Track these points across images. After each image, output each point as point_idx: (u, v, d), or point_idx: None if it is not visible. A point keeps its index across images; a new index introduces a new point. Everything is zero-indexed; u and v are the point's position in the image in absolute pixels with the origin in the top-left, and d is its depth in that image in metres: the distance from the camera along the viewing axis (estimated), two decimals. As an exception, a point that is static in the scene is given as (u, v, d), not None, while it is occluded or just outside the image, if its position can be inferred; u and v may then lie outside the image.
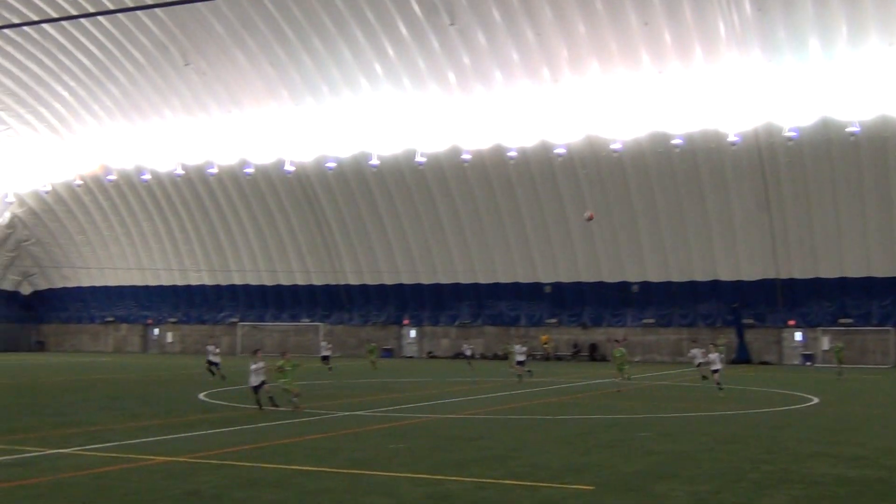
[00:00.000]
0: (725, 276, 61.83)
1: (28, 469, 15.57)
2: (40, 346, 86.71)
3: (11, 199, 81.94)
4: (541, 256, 66.30)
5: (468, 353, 55.05)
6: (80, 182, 77.50)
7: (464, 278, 69.52)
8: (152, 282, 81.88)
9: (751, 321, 61.96)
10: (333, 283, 74.38)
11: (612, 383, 36.09)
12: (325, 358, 49.90)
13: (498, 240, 66.82)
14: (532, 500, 12.76)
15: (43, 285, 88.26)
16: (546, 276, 67.08)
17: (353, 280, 73.55)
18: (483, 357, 66.72)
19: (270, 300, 77.61)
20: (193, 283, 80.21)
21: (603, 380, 35.79)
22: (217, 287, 79.40)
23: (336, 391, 34.39)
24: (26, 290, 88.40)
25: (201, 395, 31.39)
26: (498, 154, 62.37)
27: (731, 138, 55.04)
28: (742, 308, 61.63)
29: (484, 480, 14.33)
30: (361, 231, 70.78)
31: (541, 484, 14.03)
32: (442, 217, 67.49)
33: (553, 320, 67.92)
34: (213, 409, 26.92)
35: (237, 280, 77.85)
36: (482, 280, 69.05)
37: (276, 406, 25.48)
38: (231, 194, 73.32)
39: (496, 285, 68.89)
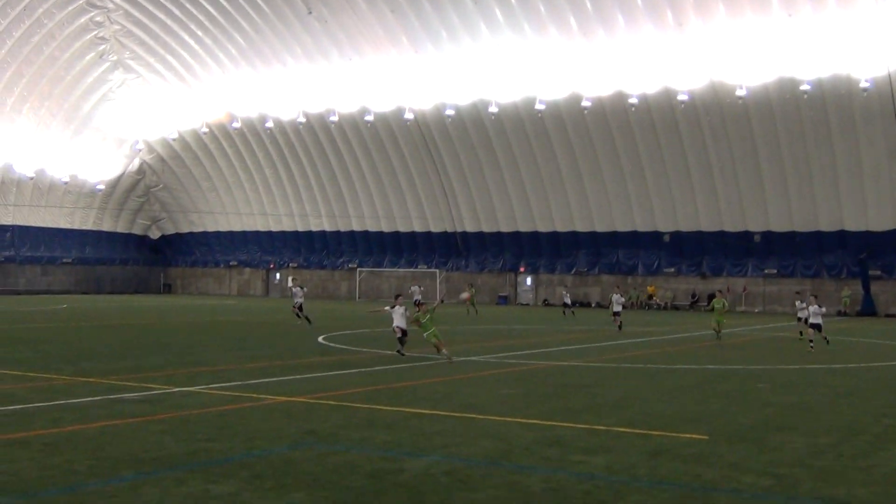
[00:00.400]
0: (852, 225, 59.90)
1: (155, 406, 16.22)
2: (167, 289, 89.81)
3: (141, 146, 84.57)
4: (660, 204, 65.33)
5: (567, 300, 54.32)
6: (206, 129, 79.50)
7: (581, 226, 69.09)
8: (274, 227, 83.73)
9: (878, 273, 60.01)
10: (450, 229, 74.80)
11: (709, 336, 35.16)
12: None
13: (616, 187, 66.08)
14: (644, 448, 12.72)
15: (170, 230, 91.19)
16: (665, 224, 66.14)
17: (469, 227, 73.82)
18: (599, 305, 66.42)
19: (388, 246, 78.56)
20: (314, 228, 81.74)
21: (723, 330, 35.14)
22: (336, 233, 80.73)
23: (450, 337, 34.71)
24: (155, 234, 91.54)
25: (320, 339, 32.08)
26: (619, 101, 61.43)
27: (863, 84, 53.07)
28: (869, 259, 59.70)
29: (596, 427, 14.34)
30: (479, 178, 70.83)
31: (653, 432, 13.97)
32: (560, 164, 67.01)
33: (671, 269, 67.05)
34: (331, 352, 27.49)
35: (356, 226, 78.98)
36: (599, 228, 68.51)
37: (402, 354, 25.52)
38: (351, 141, 74.17)
39: (614, 233, 68.27)
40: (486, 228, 73.16)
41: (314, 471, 11.06)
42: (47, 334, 33.18)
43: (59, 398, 16.78)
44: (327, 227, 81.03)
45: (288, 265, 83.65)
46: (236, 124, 77.40)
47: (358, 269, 79.11)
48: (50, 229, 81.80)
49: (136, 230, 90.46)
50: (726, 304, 35.16)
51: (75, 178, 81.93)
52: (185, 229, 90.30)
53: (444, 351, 24.68)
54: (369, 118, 70.51)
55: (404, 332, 25.60)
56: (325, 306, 43.44)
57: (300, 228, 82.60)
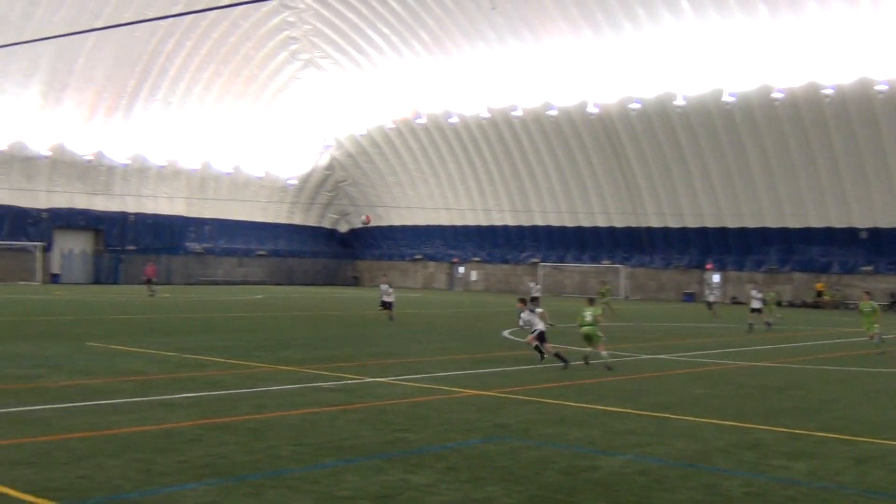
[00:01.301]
0: None
1: (350, 395, 16.69)
2: (355, 281, 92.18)
3: (331, 143, 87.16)
4: (856, 199, 62.48)
5: (711, 298, 51.99)
6: (393, 125, 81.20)
7: (772, 222, 66.91)
8: (458, 222, 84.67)
9: None
10: (634, 224, 73.80)
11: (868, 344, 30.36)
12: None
13: (809, 182, 63.65)
14: (849, 454, 12.22)
15: (358, 224, 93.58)
16: (862, 220, 63.23)
17: (654, 222, 72.62)
18: (791, 305, 64.15)
19: (571, 241, 78.20)
20: (497, 223, 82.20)
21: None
22: (519, 227, 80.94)
23: (636, 335, 34.28)
24: (343, 227, 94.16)
25: (505, 333, 32.25)
26: (812, 92, 59.14)
27: None
28: None
29: (796, 431, 13.87)
30: (664, 172, 69.60)
31: (858, 438, 13.41)
32: (750, 158, 65.07)
33: (868, 267, 64.07)
34: (518, 346, 27.57)
35: (539, 221, 78.96)
36: (791, 224, 66.14)
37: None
38: (534, 136, 74.23)
39: (807, 230, 65.77)
40: (671, 223, 71.80)
41: (508, 465, 11.14)
42: (246, 323, 34.63)
43: (261, 385, 17.49)
44: (510, 222, 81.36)
45: (471, 259, 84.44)
46: (421, 120, 78.75)
47: (540, 264, 79.10)
48: (245, 223, 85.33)
49: (326, 224, 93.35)
50: (876, 308, 30.70)
51: (269, 173, 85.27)
52: (372, 223, 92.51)
53: (603, 354, 22.07)
54: (552, 112, 70.40)
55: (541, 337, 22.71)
56: (508, 301, 43.78)
57: (483, 223, 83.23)
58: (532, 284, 49.31)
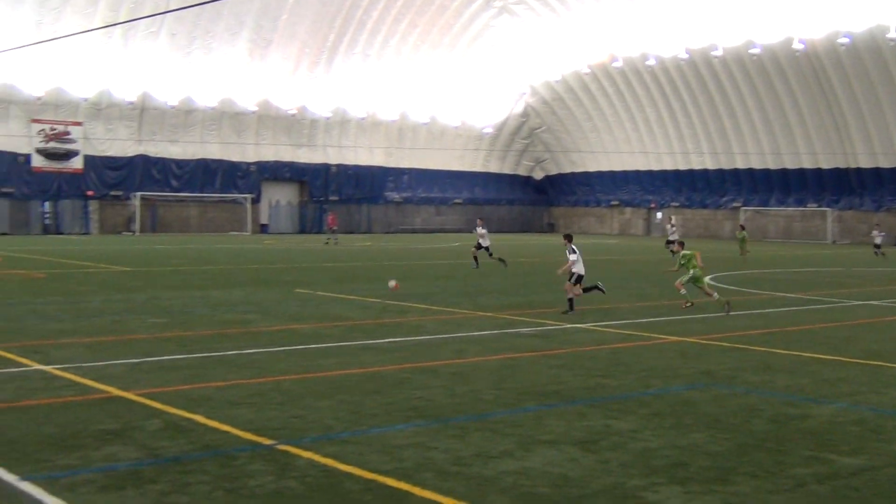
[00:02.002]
0: None
1: (550, 341, 16.75)
2: (550, 228, 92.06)
3: (526, 90, 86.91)
4: None
5: (878, 241, 48.28)
6: (588, 70, 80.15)
7: None
8: (655, 166, 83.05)
9: None
10: (843, 165, 70.36)
11: None
12: (670, 242, 45.92)
13: None
14: None
15: (553, 170, 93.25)
16: None
17: (864, 163, 68.98)
18: None
19: (775, 184, 75.39)
20: (696, 167, 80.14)
21: None
22: (720, 171, 78.65)
23: (845, 279, 32.86)
24: (538, 175, 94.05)
25: (707, 279, 31.48)
26: None
27: None
28: None
29: None
30: (876, 110, 65.91)
31: None
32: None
33: None
34: (720, 292, 26.87)
35: (740, 164, 76.46)
36: None
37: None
38: (735, 76, 71.68)
39: None
40: (883, 164, 68.01)
41: (713, 412, 10.93)
42: (445, 270, 35.23)
43: (462, 330, 17.79)
44: (710, 166, 79.11)
45: (669, 204, 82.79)
46: (617, 63, 77.38)
47: (742, 209, 76.69)
48: (442, 171, 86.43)
49: (521, 171, 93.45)
50: None
51: (465, 122, 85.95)
52: (567, 169, 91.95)
53: (715, 295, 21.61)
54: (755, 51, 67.71)
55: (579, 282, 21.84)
56: (708, 246, 42.76)
57: (681, 167, 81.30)
58: (669, 226, 47.44)
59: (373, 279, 29.81)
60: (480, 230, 36.74)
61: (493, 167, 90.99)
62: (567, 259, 21.95)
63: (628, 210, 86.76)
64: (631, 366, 14.07)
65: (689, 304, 22.03)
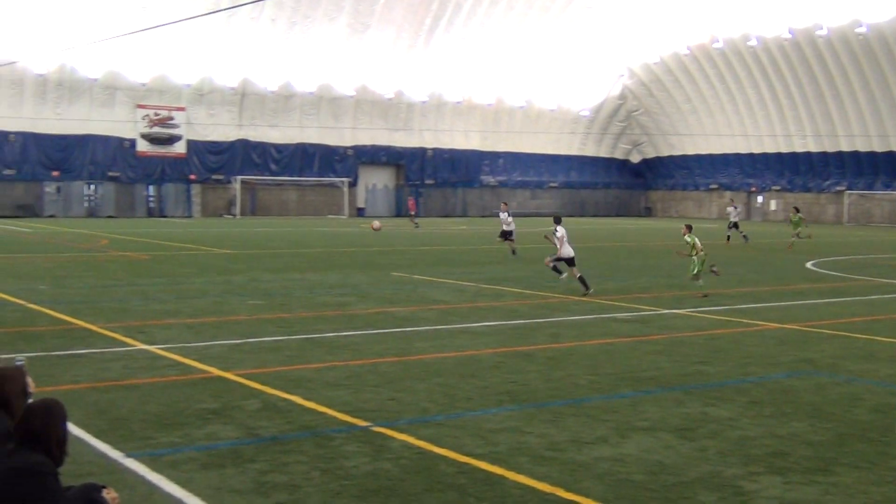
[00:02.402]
0: None
1: (647, 326, 16.58)
2: (648, 212, 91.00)
3: (623, 72, 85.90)
4: None
5: None
6: (688, 51, 78.84)
7: None
8: (756, 149, 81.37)
9: None
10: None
11: None
12: (733, 225, 44.47)
13: None
14: None
15: (651, 153, 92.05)
16: None
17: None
18: None
19: (882, 167, 73.18)
20: (798, 149, 78.28)
21: None
22: (823, 154, 76.70)
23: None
24: (635, 158, 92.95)
25: (808, 264, 30.84)
26: None
27: None
28: None
29: None
30: None
31: None
32: None
33: None
34: (822, 278, 26.30)
35: (844, 146, 74.45)
36: None
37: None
38: (840, 56, 69.72)
39: None
40: None
41: (814, 401, 10.70)
42: (540, 254, 34.99)
43: (557, 315, 17.72)
44: (813, 148, 77.19)
45: (770, 188, 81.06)
46: (718, 44, 75.98)
47: (846, 192, 74.66)
48: (538, 155, 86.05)
49: (618, 154, 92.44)
50: None
51: (561, 105, 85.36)
52: (665, 153, 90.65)
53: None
54: (862, 30, 65.75)
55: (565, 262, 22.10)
56: (811, 231, 41.92)
57: (783, 150, 79.48)
58: (731, 209, 46.05)
59: (468, 263, 29.87)
60: (504, 216, 35.49)
61: (590, 150, 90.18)
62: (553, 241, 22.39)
63: (728, 194, 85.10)
64: (730, 352, 13.85)
65: (704, 295, 21.12)
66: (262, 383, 11.16)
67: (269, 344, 14.11)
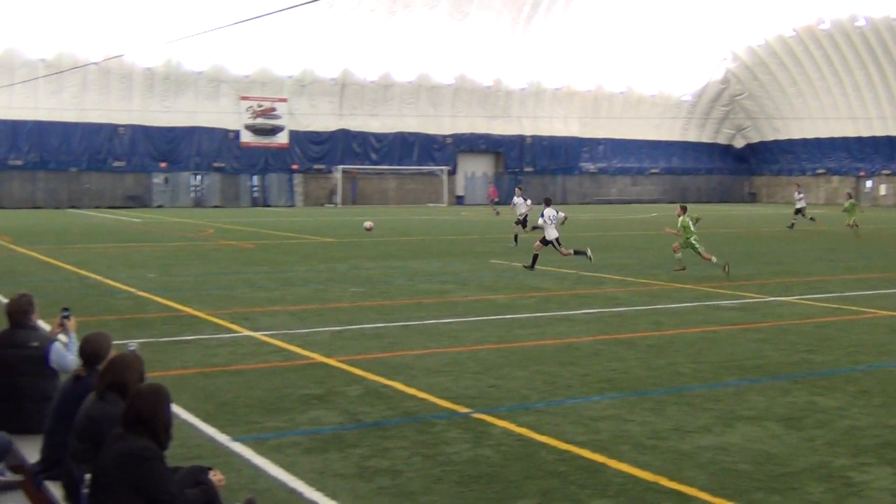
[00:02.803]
0: None
1: (751, 314, 16.27)
2: (752, 198, 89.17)
3: (726, 55, 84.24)
4: None
5: None
6: (794, 33, 76.93)
7: None
8: (865, 132, 78.97)
9: None
10: None
11: None
12: (798, 211, 42.87)
13: None
14: None
15: (755, 138, 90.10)
16: None
17: None
18: None
19: None
20: (909, 132, 75.81)
21: None
22: (937, 136, 74.10)
23: None
24: (739, 143, 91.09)
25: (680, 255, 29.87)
26: None
27: None
28: None
29: None
30: None
31: None
32: None
33: None
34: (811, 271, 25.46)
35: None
36: None
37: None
38: (955, 34, 67.28)
39: None
40: None
41: (928, 391, 10.38)
42: (641, 241, 34.71)
43: (658, 302, 17.51)
44: (925, 131, 74.68)
45: (879, 172, 78.65)
46: (825, 26, 73.93)
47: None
48: (639, 141, 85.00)
49: (721, 140, 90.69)
50: None
51: (662, 91, 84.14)
52: (769, 137, 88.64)
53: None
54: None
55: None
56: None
57: (893, 133, 76.98)
58: (797, 194, 44.49)
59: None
60: (520, 200, 34.80)
61: (692, 136, 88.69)
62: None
63: (835, 179, 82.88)
64: (838, 341, 13.51)
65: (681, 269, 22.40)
66: (364, 369, 11.29)
67: (371, 331, 14.26)
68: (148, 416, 5.30)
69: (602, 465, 7.69)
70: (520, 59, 76.02)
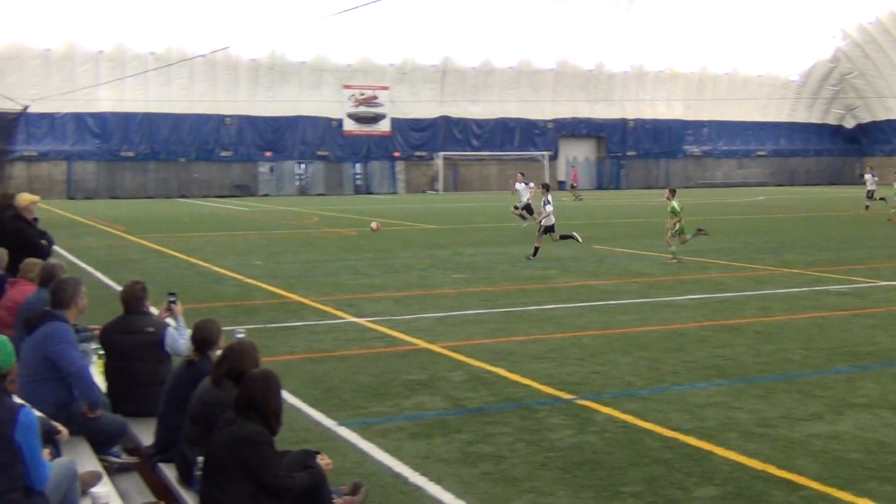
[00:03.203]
0: None
1: (862, 299, 15.84)
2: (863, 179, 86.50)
3: (836, 33, 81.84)
4: None
5: None
6: (905, 8, 74.39)
7: None
8: None
9: None
10: None
11: None
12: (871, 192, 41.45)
13: None
14: None
15: (866, 118, 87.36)
16: None
17: None
18: None
19: None
20: None
21: None
22: None
23: None
24: (849, 123, 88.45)
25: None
26: None
27: None
28: None
29: None
30: None
31: None
32: None
33: None
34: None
35: None
36: None
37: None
38: None
39: None
40: None
41: None
42: (747, 225, 34.03)
43: (766, 288, 17.17)
44: None
45: None
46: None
47: None
48: (745, 123, 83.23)
49: (830, 120, 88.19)
50: None
51: (768, 71, 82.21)
52: (882, 117, 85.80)
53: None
54: None
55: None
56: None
57: None
58: (868, 176, 42.78)
59: (672, 235, 29.21)
60: (521, 186, 34.08)
61: (800, 117, 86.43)
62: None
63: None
64: (957, 327, 13.07)
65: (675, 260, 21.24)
66: (467, 355, 11.34)
67: (473, 317, 14.31)
68: (260, 401, 5.44)
69: (709, 452, 7.60)
70: (622, 41, 75.12)
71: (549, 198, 23.32)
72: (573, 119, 76.60)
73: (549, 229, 22.98)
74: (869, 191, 42.33)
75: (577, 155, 77.69)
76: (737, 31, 77.70)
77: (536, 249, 22.37)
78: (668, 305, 15.24)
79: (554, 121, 75.81)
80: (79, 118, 63.20)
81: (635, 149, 78.76)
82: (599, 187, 77.18)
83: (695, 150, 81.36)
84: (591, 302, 15.62)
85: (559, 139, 76.44)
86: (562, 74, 75.03)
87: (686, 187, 76.37)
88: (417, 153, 72.15)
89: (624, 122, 78.39)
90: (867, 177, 43.76)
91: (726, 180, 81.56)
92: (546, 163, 74.80)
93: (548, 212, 22.91)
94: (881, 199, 41.33)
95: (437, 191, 71.11)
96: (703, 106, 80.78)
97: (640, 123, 78.94)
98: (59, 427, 6.13)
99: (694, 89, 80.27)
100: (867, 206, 41.05)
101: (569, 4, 71.94)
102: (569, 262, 21.68)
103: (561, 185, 75.38)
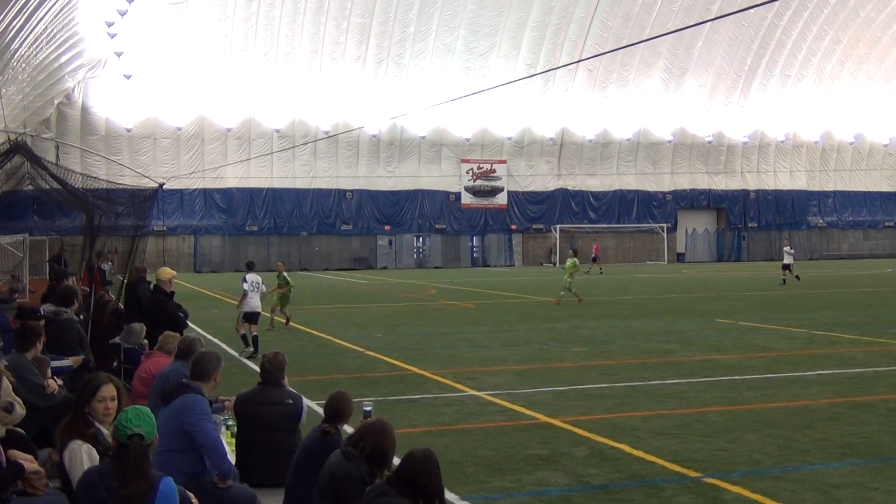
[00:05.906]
0: None
1: None
2: None
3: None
4: None
5: None
6: None
7: None
8: None
9: None
10: None
11: None
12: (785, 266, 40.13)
13: None
14: None
15: None
16: None
17: None
18: None
19: None
20: None
21: None
22: None
23: None
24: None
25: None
26: None
27: None
28: None
29: None
30: None
31: None
32: None
33: None
34: None
35: None
36: None
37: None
38: None
39: None
40: None
41: None
42: (876, 299, 32.95)
43: (899, 364, 16.55)
44: None
45: None
46: None
47: None
48: (871, 193, 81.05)
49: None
50: None
51: (894, 138, 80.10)
52: None
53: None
54: None
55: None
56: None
57: None
58: (786, 249, 42.11)
59: (796, 308, 28.52)
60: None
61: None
62: None
63: None
64: None
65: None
66: (589, 430, 11.20)
67: (594, 391, 14.16)
68: (425, 483, 5.52)
69: (845, 535, 7.31)
70: (741, 112, 74.37)
71: (250, 276, 20.44)
72: (692, 190, 75.79)
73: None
74: (784, 264, 41.43)
75: (697, 226, 76.70)
76: (861, 97, 76.17)
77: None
78: (796, 381, 14.81)
79: (672, 192, 75.13)
80: (206, 194, 65.36)
81: (757, 220, 77.36)
82: (719, 259, 75.90)
83: (819, 220, 79.46)
84: (714, 377, 15.28)
85: (678, 210, 75.64)
86: (680, 145, 74.52)
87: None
88: (534, 226, 72.28)
89: (745, 192, 77.19)
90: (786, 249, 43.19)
91: (852, 252, 79.31)
92: (664, 234, 74.01)
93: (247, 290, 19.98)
94: (797, 276, 40.34)
95: (554, 263, 70.93)
96: (828, 176, 79.10)
97: (762, 194, 77.62)
98: (193, 498, 6.28)
99: (817, 158, 78.72)
100: (784, 280, 40.06)
101: (687, 77, 71.64)
102: (690, 336, 21.31)
103: (679, 258, 74.43)
